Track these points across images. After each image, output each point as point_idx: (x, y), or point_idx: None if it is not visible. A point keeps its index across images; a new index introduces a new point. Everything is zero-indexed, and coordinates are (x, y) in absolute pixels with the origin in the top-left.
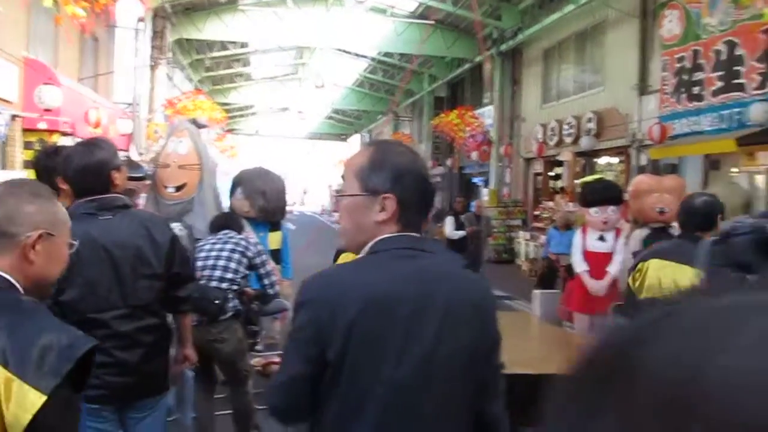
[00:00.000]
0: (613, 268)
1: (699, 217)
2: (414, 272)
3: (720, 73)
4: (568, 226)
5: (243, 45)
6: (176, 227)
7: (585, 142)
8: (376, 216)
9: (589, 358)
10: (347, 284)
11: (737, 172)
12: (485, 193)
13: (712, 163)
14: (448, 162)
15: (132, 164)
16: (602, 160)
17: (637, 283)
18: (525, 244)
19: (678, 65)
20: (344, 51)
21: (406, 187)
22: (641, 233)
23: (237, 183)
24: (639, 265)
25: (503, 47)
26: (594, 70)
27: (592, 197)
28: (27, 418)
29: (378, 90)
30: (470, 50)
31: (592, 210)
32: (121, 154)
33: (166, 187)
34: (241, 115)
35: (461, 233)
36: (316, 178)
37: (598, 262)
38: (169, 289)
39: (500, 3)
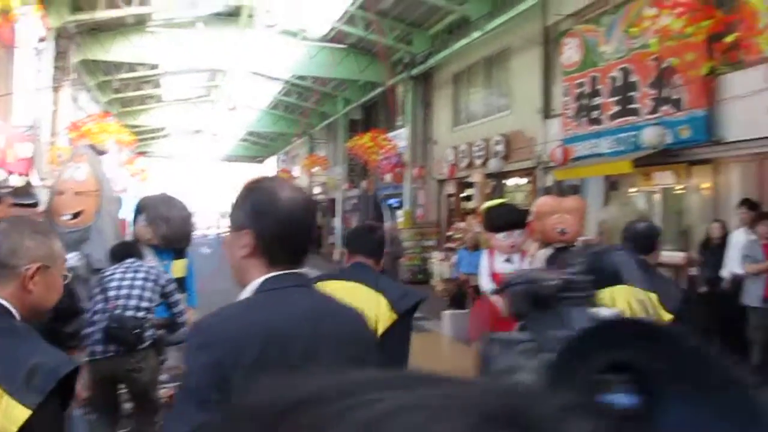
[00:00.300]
0: None
1: (642, 240)
2: (306, 310)
3: (616, 98)
4: (477, 247)
5: (153, 66)
6: (73, 257)
7: (493, 164)
8: (240, 251)
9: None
10: (247, 323)
11: (635, 192)
12: (400, 215)
13: (612, 184)
14: (363, 184)
15: (20, 192)
16: (511, 182)
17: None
18: (439, 265)
19: (578, 90)
20: (258, 73)
21: (264, 223)
22: (545, 253)
23: (140, 209)
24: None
25: (414, 71)
26: (501, 94)
27: (498, 222)
28: (13, 430)
29: (293, 112)
30: (383, 74)
31: (500, 235)
32: (20, 180)
33: (61, 214)
34: (153, 138)
35: None
36: (232, 201)
37: None
38: (55, 324)
39: (411, 28)
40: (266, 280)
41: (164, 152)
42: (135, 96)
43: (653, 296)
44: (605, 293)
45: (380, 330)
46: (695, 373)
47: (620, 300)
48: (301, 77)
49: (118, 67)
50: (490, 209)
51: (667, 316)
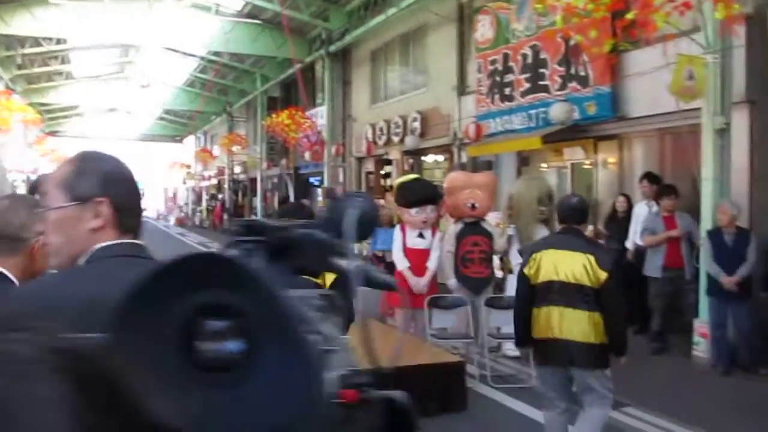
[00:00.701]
0: (432, 264)
1: (577, 213)
2: (127, 280)
3: (527, 75)
4: (392, 224)
5: (60, 41)
6: None
7: (410, 142)
8: (89, 224)
9: None
10: (67, 295)
11: (546, 168)
12: (319, 193)
13: (523, 160)
14: (283, 162)
15: None
16: (429, 158)
17: (533, 271)
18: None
19: (491, 67)
20: (172, 49)
21: (118, 190)
22: (455, 228)
23: (35, 190)
24: (533, 256)
25: (332, 48)
26: (418, 72)
27: (412, 198)
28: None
29: (211, 90)
30: (301, 50)
31: (413, 210)
32: None
33: None
34: (65, 117)
35: None
36: (150, 181)
37: (418, 258)
38: None
39: (328, 4)
40: (99, 249)
41: (77, 131)
42: (42, 72)
43: (591, 257)
44: (540, 256)
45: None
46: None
47: (548, 262)
48: (217, 54)
49: (21, 41)
50: (403, 184)
51: (604, 274)
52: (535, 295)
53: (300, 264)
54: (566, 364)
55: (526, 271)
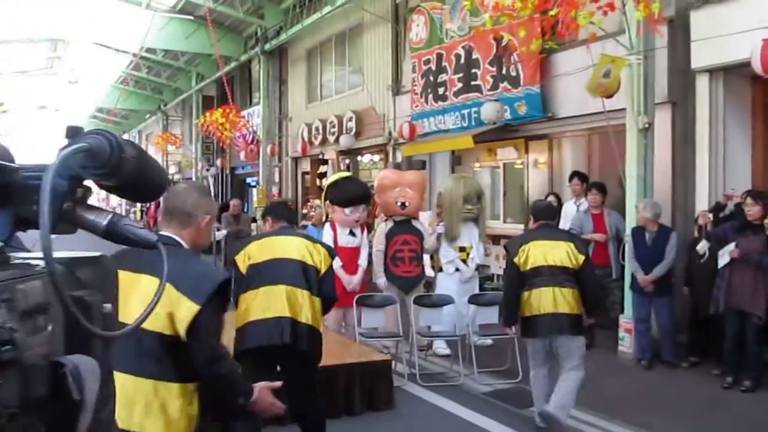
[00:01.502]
0: (363, 262)
1: (550, 212)
2: None
3: (460, 75)
4: (324, 223)
5: None
6: None
7: (344, 141)
8: None
9: None
10: None
11: (479, 167)
12: (255, 194)
13: (456, 159)
14: (219, 162)
15: None
16: (365, 158)
17: (522, 259)
18: None
19: (425, 67)
20: (103, 45)
21: None
22: (385, 227)
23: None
24: (522, 247)
25: (267, 46)
26: (353, 71)
27: (344, 196)
28: (189, 318)
29: (145, 88)
30: (236, 48)
31: (347, 210)
32: None
33: None
34: None
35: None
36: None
37: (349, 256)
38: None
39: (263, 1)
40: None
41: (3, 129)
42: None
43: (571, 245)
44: (528, 247)
45: (323, 268)
46: None
47: (536, 251)
48: (150, 50)
49: None
50: (335, 183)
51: (582, 257)
52: (524, 280)
53: (24, 214)
54: (556, 334)
55: (515, 260)
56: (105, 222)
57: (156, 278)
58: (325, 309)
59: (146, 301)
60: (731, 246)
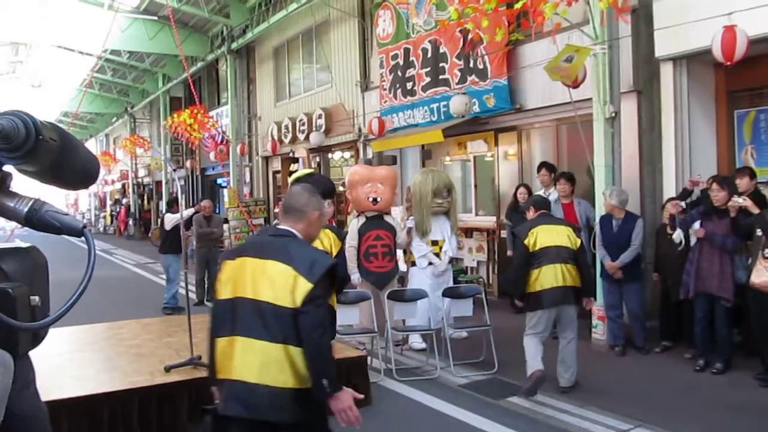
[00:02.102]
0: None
1: (546, 203)
2: None
3: (428, 69)
4: None
5: None
6: None
7: (314, 139)
8: None
9: None
10: None
11: (449, 161)
12: (226, 194)
13: (426, 153)
14: (188, 164)
15: None
16: (336, 155)
17: (532, 241)
18: None
19: (393, 62)
20: (66, 47)
21: None
22: (357, 222)
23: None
24: (531, 230)
25: (234, 45)
26: (321, 68)
27: None
28: (305, 293)
29: (110, 90)
30: (202, 48)
31: None
32: None
33: None
34: None
35: (190, 210)
36: (49, 188)
37: None
38: None
39: (228, 0)
40: None
41: None
42: None
43: (570, 228)
44: (536, 230)
45: (335, 251)
46: None
47: (545, 234)
48: (114, 52)
49: None
50: (300, 179)
51: (579, 240)
52: (532, 259)
53: None
54: (565, 304)
55: (525, 242)
56: (26, 209)
57: (279, 262)
58: (339, 289)
59: (273, 281)
60: (696, 225)
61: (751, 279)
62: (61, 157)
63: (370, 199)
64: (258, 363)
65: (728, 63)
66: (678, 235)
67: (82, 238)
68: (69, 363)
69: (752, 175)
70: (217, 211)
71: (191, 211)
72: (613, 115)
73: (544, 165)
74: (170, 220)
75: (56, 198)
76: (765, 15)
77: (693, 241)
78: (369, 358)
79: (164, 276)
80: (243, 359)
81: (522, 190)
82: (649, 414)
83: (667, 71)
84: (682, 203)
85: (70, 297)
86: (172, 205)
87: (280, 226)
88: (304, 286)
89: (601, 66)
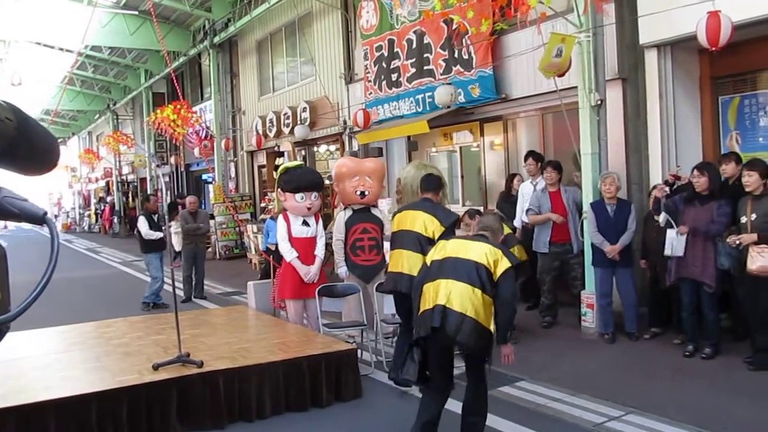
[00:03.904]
0: (320, 252)
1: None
2: None
3: (412, 60)
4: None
5: None
6: None
7: (299, 132)
8: None
9: None
10: None
11: (435, 152)
12: (212, 190)
13: (412, 145)
14: (173, 160)
15: None
16: (322, 148)
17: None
18: (254, 238)
19: (377, 54)
20: (45, 44)
21: None
22: (345, 215)
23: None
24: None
25: (216, 39)
26: (305, 61)
27: (296, 183)
28: (504, 268)
29: (91, 87)
30: (184, 43)
31: (298, 196)
32: None
33: None
34: None
35: (158, 234)
36: (33, 187)
37: (305, 247)
38: None
39: None
40: None
41: None
42: None
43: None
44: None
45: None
46: None
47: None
48: (95, 48)
49: None
50: (287, 170)
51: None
52: None
53: None
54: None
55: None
56: None
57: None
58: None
59: (477, 253)
60: (672, 233)
61: (747, 267)
62: (17, 139)
63: (358, 193)
64: (469, 301)
65: (713, 48)
66: (663, 218)
67: (45, 227)
68: (56, 363)
69: (738, 160)
70: (203, 207)
71: (159, 235)
72: (599, 102)
73: (531, 154)
74: (147, 234)
75: (39, 196)
76: (747, 0)
77: (675, 238)
78: (359, 351)
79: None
80: (459, 299)
81: (519, 178)
82: (641, 400)
83: (651, 58)
84: (666, 188)
85: (33, 289)
86: (174, 209)
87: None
88: (505, 264)
89: (586, 54)
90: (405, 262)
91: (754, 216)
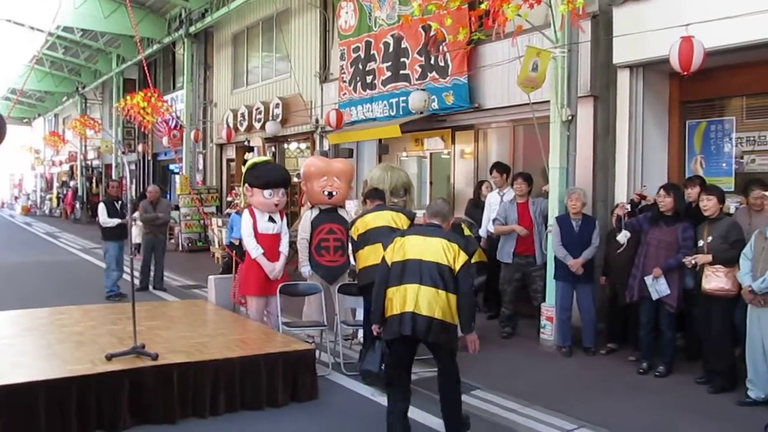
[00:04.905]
0: (284, 249)
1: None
2: None
3: (388, 64)
4: None
5: None
6: None
7: (270, 128)
8: None
9: None
10: None
11: (406, 157)
12: (178, 180)
13: (383, 148)
14: (140, 148)
15: None
16: (292, 146)
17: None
18: (218, 232)
19: (354, 55)
20: (14, 22)
21: None
22: (311, 214)
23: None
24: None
25: (192, 29)
26: (281, 57)
27: (265, 180)
28: (462, 262)
29: (60, 69)
30: (159, 30)
31: (266, 192)
32: None
33: None
34: None
35: (115, 221)
36: None
37: (270, 243)
38: None
39: None
40: None
41: None
42: None
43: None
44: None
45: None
46: None
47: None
48: (68, 29)
49: None
50: (255, 165)
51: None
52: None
53: None
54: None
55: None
56: None
57: (439, 238)
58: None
59: (436, 252)
60: (649, 279)
61: (702, 287)
62: None
63: (326, 193)
64: (436, 304)
65: (685, 73)
66: (623, 236)
67: None
68: (8, 348)
69: (702, 184)
70: (168, 198)
71: (116, 222)
72: (570, 118)
73: (495, 166)
74: (104, 222)
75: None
76: (720, 28)
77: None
78: (317, 352)
79: None
80: (424, 303)
81: (486, 186)
82: (594, 414)
83: (623, 78)
84: (628, 205)
85: None
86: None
87: (430, 221)
88: (463, 259)
89: (560, 69)
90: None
91: (710, 238)
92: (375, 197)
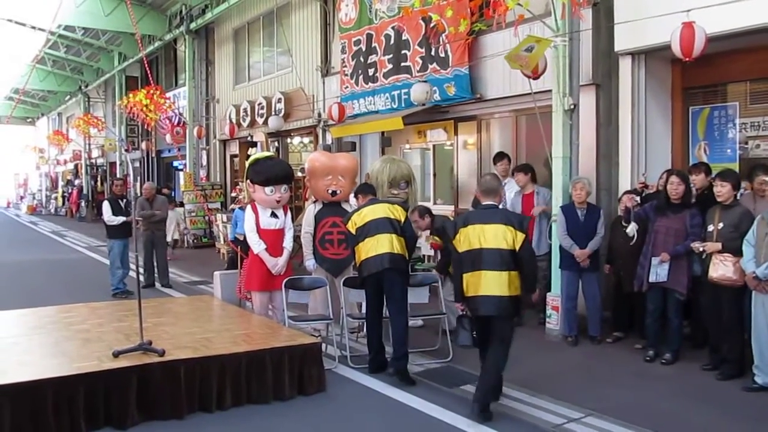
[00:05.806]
0: (288, 244)
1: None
2: None
3: (390, 56)
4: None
5: None
6: None
7: (273, 123)
8: None
9: None
10: None
11: (409, 149)
12: (182, 177)
13: (386, 141)
14: (144, 145)
15: None
16: (295, 140)
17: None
18: (223, 228)
19: (355, 48)
20: (16, 21)
21: None
22: (314, 208)
23: None
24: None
25: (193, 25)
26: (282, 52)
27: (266, 175)
28: (521, 240)
29: (63, 68)
30: (160, 27)
31: (268, 189)
32: None
33: None
34: None
35: (120, 219)
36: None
37: (273, 239)
38: None
39: None
40: None
41: None
42: None
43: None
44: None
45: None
46: None
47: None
48: (69, 28)
49: None
50: (257, 161)
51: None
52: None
53: None
54: None
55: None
56: None
57: (499, 225)
58: (410, 248)
59: (497, 236)
60: (655, 261)
61: (709, 274)
62: None
63: (330, 192)
64: (502, 284)
65: (687, 59)
66: (632, 228)
67: None
68: (14, 347)
69: (708, 171)
70: (173, 195)
71: (121, 219)
72: (572, 107)
73: (501, 155)
74: (109, 220)
75: (5, 178)
76: (721, 14)
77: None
78: (324, 345)
79: None
80: (491, 285)
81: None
82: (601, 403)
83: (625, 65)
84: (637, 198)
85: None
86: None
87: (485, 202)
88: (521, 237)
89: (562, 58)
90: (386, 243)
91: (721, 225)
92: (367, 192)
